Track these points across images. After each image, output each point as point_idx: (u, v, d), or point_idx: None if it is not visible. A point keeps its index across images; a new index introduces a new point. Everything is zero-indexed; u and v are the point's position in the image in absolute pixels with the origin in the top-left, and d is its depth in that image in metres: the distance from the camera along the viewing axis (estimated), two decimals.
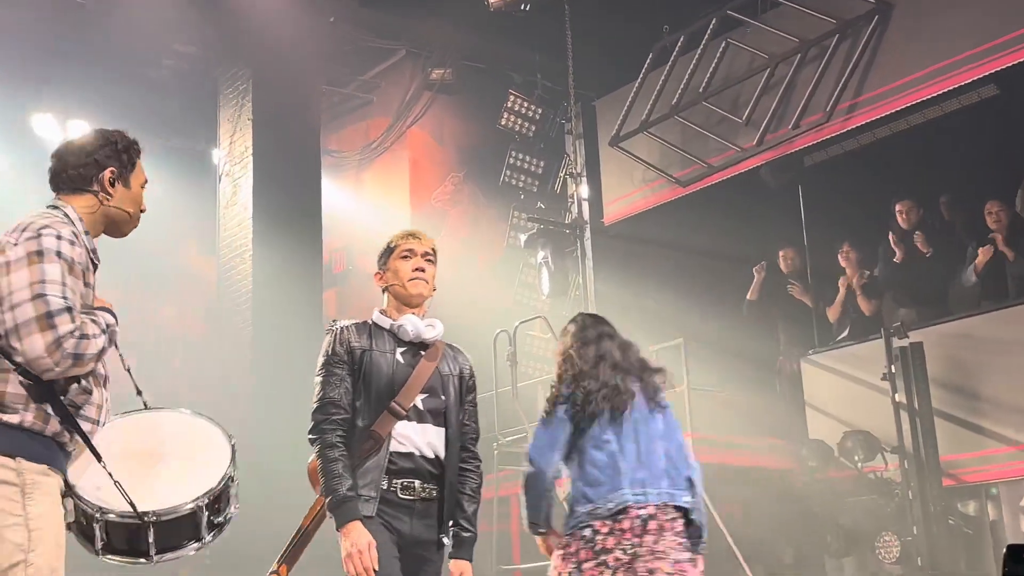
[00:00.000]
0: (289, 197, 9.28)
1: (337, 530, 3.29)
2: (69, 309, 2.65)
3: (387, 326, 3.55)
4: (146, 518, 2.78)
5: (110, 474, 2.75)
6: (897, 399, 7.28)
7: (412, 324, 3.52)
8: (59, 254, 2.68)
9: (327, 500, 3.31)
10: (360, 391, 3.41)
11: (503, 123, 10.60)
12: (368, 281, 12.97)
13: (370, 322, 3.58)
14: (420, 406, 3.44)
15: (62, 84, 9.93)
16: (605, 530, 3.56)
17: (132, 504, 2.75)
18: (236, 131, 9.49)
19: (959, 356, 7.57)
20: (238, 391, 8.93)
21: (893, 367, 7.31)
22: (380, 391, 3.40)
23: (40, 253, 2.66)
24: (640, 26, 9.52)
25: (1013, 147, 8.27)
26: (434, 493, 3.43)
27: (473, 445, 3.62)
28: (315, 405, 3.43)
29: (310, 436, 3.40)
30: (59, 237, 2.70)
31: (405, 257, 3.59)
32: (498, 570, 7.96)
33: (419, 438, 3.42)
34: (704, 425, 8.17)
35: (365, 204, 11.70)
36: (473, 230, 11.42)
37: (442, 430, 3.48)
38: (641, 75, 9.50)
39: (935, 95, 7.89)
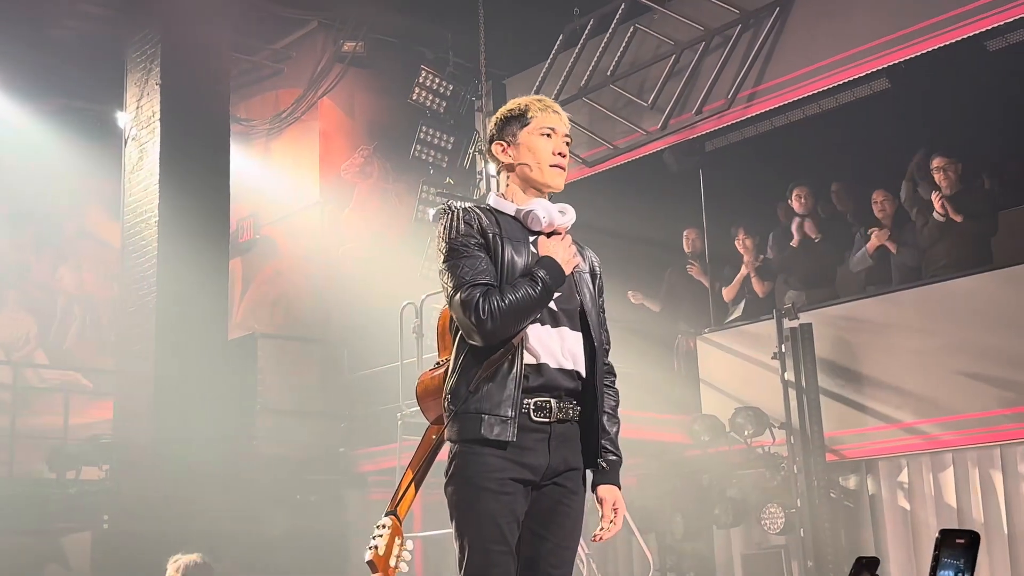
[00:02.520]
0: (197, 164, 9.18)
1: (562, 280, 2.78)
2: None
3: (512, 212, 2.89)
4: None
5: None
6: (786, 377, 7.43)
7: (545, 210, 2.86)
8: None
9: (545, 291, 2.73)
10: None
11: (414, 98, 10.63)
12: (274, 251, 12.85)
13: (491, 207, 2.92)
14: (554, 306, 2.81)
15: None
16: None
17: None
18: (143, 95, 9.35)
19: (845, 337, 7.75)
20: (141, 357, 8.88)
21: (783, 346, 7.46)
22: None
23: None
24: (551, 7, 9.66)
25: (901, 139, 8.56)
26: (571, 412, 2.80)
27: (606, 356, 2.99)
28: (455, 294, 2.73)
29: (471, 317, 2.69)
30: None
31: (546, 135, 2.92)
32: None
33: (556, 345, 2.80)
34: None
35: (273, 173, 11.66)
36: (382, 203, 11.46)
37: (579, 335, 2.86)
38: (551, 56, 9.64)
39: (830, 87, 8.14)
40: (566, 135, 2.95)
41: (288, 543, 9.17)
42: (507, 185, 2.96)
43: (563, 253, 2.81)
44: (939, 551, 1.53)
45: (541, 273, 2.74)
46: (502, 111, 3.01)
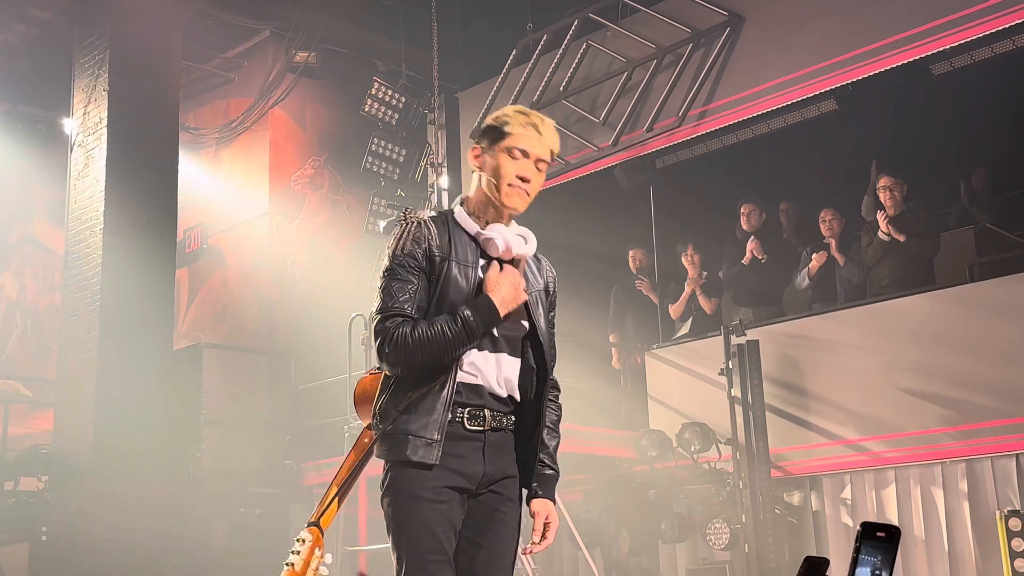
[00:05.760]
0: (144, 171, 9.07)
1: (495, 322, 2.71)
2: None
3: (472, 233, 2.82)
4: None
5: None
6: (733, 393, 7.48)
7: (502, 238, 2.80)
8: None
9: (466, 333, 2.66)
10: (431, 309, 2.73)
11: (366, 110, 10.62)
12: (221, 260, 12.73)
13: (452, 219, 2.84)
14: (495, 332, 2.76)
15: None
16: None
17: None
18: (91, 101, 9.23)
19: (791, 354, 7.82)
20: (83, 367, 8.73)
21: (730, 363, 7.50)
22: (452, 312, 2.70)
23: None
24: (505, 23, 9.73)
25: (848, 159, 8.70)
26: (505, 422, 2.78)
27: (551, 371, 2.92)
28: (376, 318, 2.73)
29: (377, 345, 2.68)
30: None
31: (514, 157, 2.81)
32: (343, 551, 8.03)
33: (492, 371, 2.76)
34: None
35: (222, 183, 11.56)
36: (332, 214, 11.42)
37: (517, 361, 2.81)
38: (504, 71, 9.68)
39: (779, 107, 8.25)
40: (541, 158, 2.83)
41: (231, 556, 9.06)
42: (476, 188, 2.87)
43: (506, 291, 2.73)
44: (860, 543, 1.46)
45: (467, 313, 2.68)
46: (491, 116, 2.89)
